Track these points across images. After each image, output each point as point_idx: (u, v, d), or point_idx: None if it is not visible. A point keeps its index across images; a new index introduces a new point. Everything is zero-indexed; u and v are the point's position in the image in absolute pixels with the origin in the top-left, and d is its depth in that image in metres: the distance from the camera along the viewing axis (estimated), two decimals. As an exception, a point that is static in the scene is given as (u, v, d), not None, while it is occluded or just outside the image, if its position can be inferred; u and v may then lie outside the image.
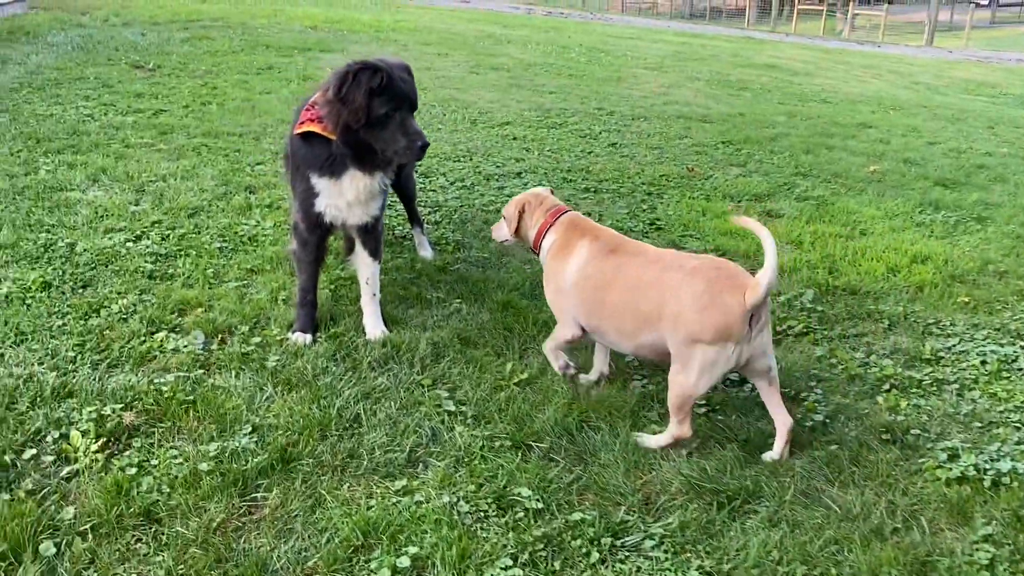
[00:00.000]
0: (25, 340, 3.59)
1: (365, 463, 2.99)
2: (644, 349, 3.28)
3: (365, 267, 3.96)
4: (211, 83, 8.83)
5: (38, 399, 3.17)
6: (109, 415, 3.09)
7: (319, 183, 3.69)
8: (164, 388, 3.28)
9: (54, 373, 3.34)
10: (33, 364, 3.40)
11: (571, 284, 3.39)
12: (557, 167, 6.69)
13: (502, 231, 3.82)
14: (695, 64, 14.47)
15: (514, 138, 7.57)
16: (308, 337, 3.77)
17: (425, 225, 5.04)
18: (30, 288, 4.00)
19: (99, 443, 2.95)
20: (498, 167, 6.59)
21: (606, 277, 3.29)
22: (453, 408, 3.33)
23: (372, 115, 3.44)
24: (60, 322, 3.75)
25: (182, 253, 4.55)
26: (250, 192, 5.56)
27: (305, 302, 3.87)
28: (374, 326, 3.89)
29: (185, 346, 3.64)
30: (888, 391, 3.69)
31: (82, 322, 3.76)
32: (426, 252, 4.83)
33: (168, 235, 4.75)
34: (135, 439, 3.03)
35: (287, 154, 3.98)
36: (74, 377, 3.33)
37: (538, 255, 3.68)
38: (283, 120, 7.33)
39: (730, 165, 7.28)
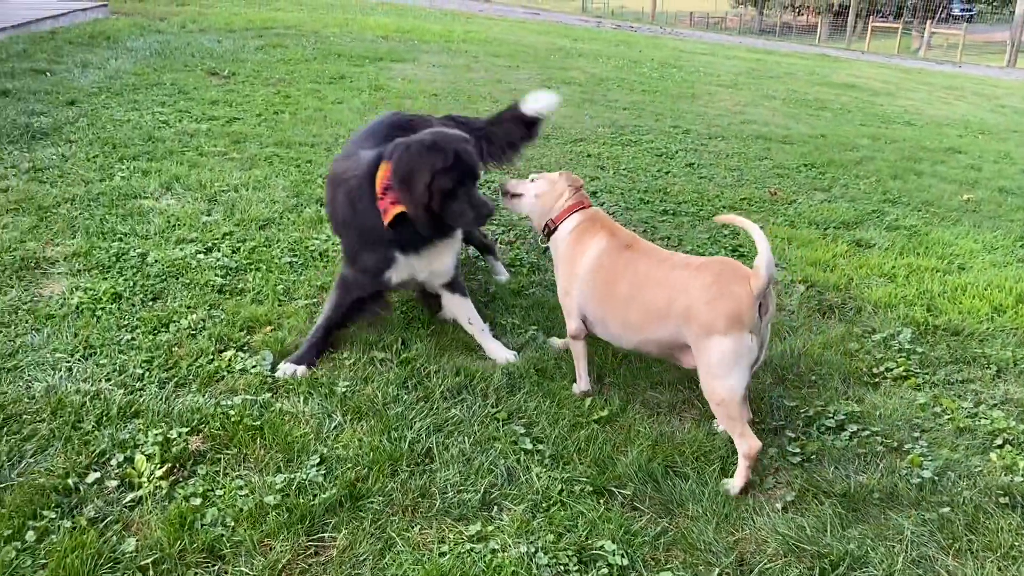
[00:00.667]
0: (94, 354, 3.52)
1: (437, 504, 2.82)
2: (649, 344, 3.33)
3: (461, 309, 3.87)
4: (284, 91, 8.83)
5: (104, 418, 3.08)
6: (175, 439, 2.98)
7: (399, 257, 3.63)
8: (231, 412, 3.16)
9: (121, 391, 3.25)
10: (101, 380, 3.32)
11: (585, 271, 3.44)
12: (633, 187, 6.47)
13: (524, 202, 3.69)
14: (770, 82, 14.10)
15: (588, 155, 7.38)
16: (302, 368, 3.54)
17: (498, 246, 4.88)
18: (100, 299, 3.94)
19: (164, 469, 2.83)
20: (572, 185, 6.39)
21: (617, 270, 3.35)
22: (530, 446, 3.14)
23: (438, 193, 3.40)
24: (129, 336, 3.67)
25: (252, 267, 4.46)
26: (321, 205, 5.46)
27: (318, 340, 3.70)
28: (500, 353, 3.79)
29: (253, 367, 3.52)
30: (1001, 447, 3.39)
31: (151, 337, 3.67)
32: (501, 276, 4.67)
33: (239, 248, 4.66)
34: (200, 465, 2.90)
35: (344, 222, 3.72)
36: (141, 396, 3.24)
37: (546, 236, 3.66)
38: (353, 130, 7.26)
39: (814, 189, 6.97)
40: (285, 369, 3.51)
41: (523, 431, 3.22)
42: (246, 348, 3.70)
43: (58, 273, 4.21)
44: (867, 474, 3.12)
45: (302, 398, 3.33)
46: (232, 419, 3.12)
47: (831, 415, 3.51)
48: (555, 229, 3.59)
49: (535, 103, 4.29)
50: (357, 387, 3.44)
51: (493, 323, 4.05)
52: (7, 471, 2.78)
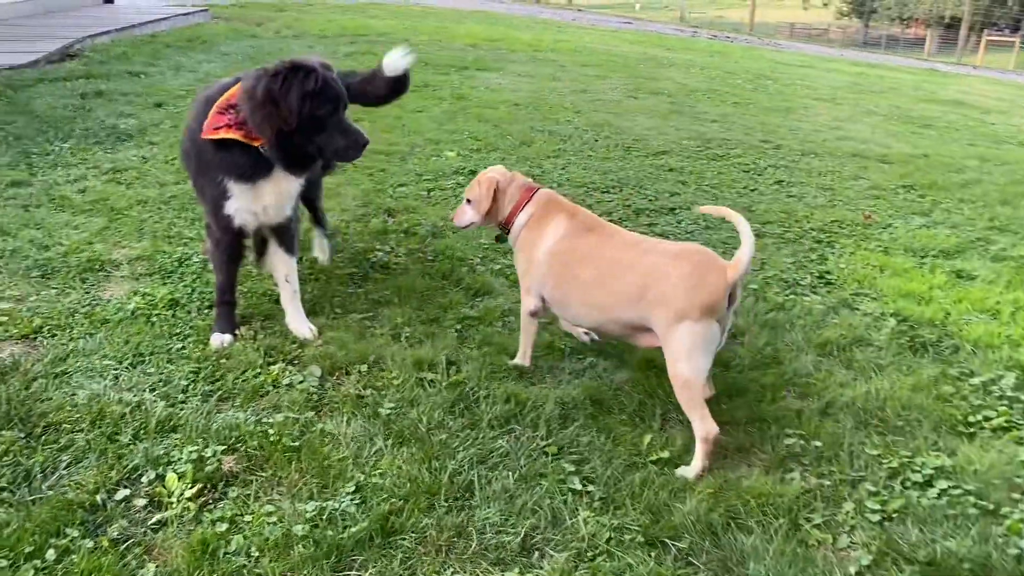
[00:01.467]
0: (142, 362, 3.46)
1: (474, 544, 2.62)
2: (611, 324, 3.38)
3: (282, 264, 3.82)
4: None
5: (142, 431, 3.00)
6: (209, 457, 2.87)
7: (233, 188, 3.53)
8: (271, 431, 3.04)
9: (163, 403, 3.17)
10: (145, 390, 3.25)
11: (544, 254, 3.47)
12: (716, 204, 6.14)
13: (466, 216, 3.73)
14: (872, 97, 13.44)
15: (670, 169, 7.08)
16: (228, 338, 3.67)
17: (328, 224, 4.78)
18: (157, 305, 3.91)
19: (194, 489, 2.72)
20: (650, 201, 6.13)
21: (580, 253, 3.40)
22: (579, 486, 2.92)
23: (307, 118, 3.33)
24: (180, 345, 3.61)
25: (312, 277, 4.37)
26: (389, 215, 5.37)
27: (223, 301, 3.77)
28: (299, 324, 3.80)
29: (300, 382, 3.41)
30: (1120, 517, 2.98)
31: (201, 347, 3.60)
32: (323, 256, 4.62)
33: (301, 257, 4.59)
34: (232, 487, 2.79)
35: (186, 152, 3.72)
36: (182, 409, 3.15)
37: (507, 234, 3.68)
38: (431, 140, 7.18)
39: (912, 213, 6.49)
40: (215, 342, 3.63)
41: (573, 469, 3.00)
42: (296, 362, 3.59)
43: (120, 276, 4.21)
44: (956, 539, 2.77)
45: (345, 418, 3.19)
46: (270, 438, 3.00)
47: (918, 468, 3.17)
48: (509, 228, 3.64)
49: (392, 64, 4.21)
50: (403, 409, 3.29)
51: (549, 346, 3.85)
52: (39, 482, 2.72)
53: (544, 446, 3.12)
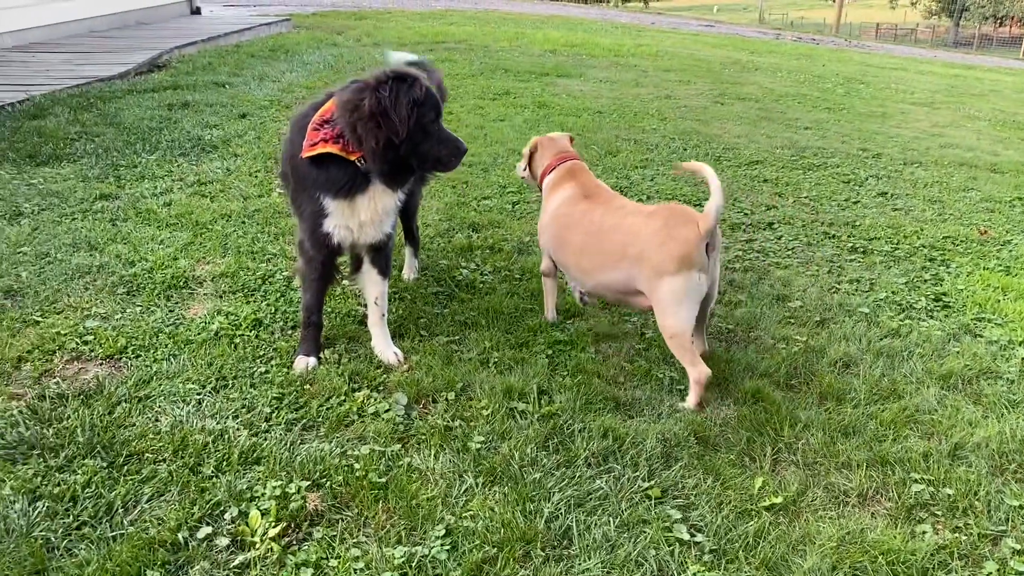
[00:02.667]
0: (226, 386, 3.36)
1: (574, 601, 2.41)
2: (602, 288, 3.59)
3: (374, 286, 3.70)
4: (447, 108, 8.70)
5: (225, 463, 2.88)
6: (293, 494, 2.73)
7: (331, 204, 3.39)
8: (356, 465, 2.89)
9: (247, 432, 3.05)
10: (228, 417, 3.14)
11: (548, 218, 3.75)
12: (816, 219, 5.81)
13: (519, 169, 4.18)
14: (973, 100, 12.75)
15: (764, 180, 6.74)
16: (312, 361, 3.55)
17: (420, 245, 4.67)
18: (240, 324, 3.81)
19: (278, 528, 2.58)
20: (746, 215, 5.82)
21: (573, 219, 3.62)
22: (686, 535, 2.67)
23: (413, 128, 3.24)
24: (263, 368, 3.50)
25: (397, 296, 4.23)
26: (473, 230, 5.20)
27: (310, 323, 3.63)
28: (385, 348, 3.67)
29: (386, 410, 3.25)
30: None
31: (285, 370, 3.48)
32: (410, 274, 4.51)
33: (394, 275, 4.45)
34: (317, 527, 2.63)
35: (285, 175, 3.66)
36: (266, 439, 3.02)
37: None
38: (513, 150, 7.00)
39: (1032, 228, 6.03)
40: (299, 365, 3.51)
41: (679, 516, 2.76)
42: (381, 388, 3.44)
43: (204, 294, 4.13)
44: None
45: (433, 452, 3.01)
46: (356, 473, 2.84)
47: (1069, 524, 2.83)
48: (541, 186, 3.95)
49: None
50: (493, 443, 3.09)
51: (647, 374, 3.61)
52: (121, 516, 2.61)
53: (646, 488, 2.88)
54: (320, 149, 3.30)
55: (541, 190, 3.97)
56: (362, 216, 3.46)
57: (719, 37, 21.55)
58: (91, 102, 7.68)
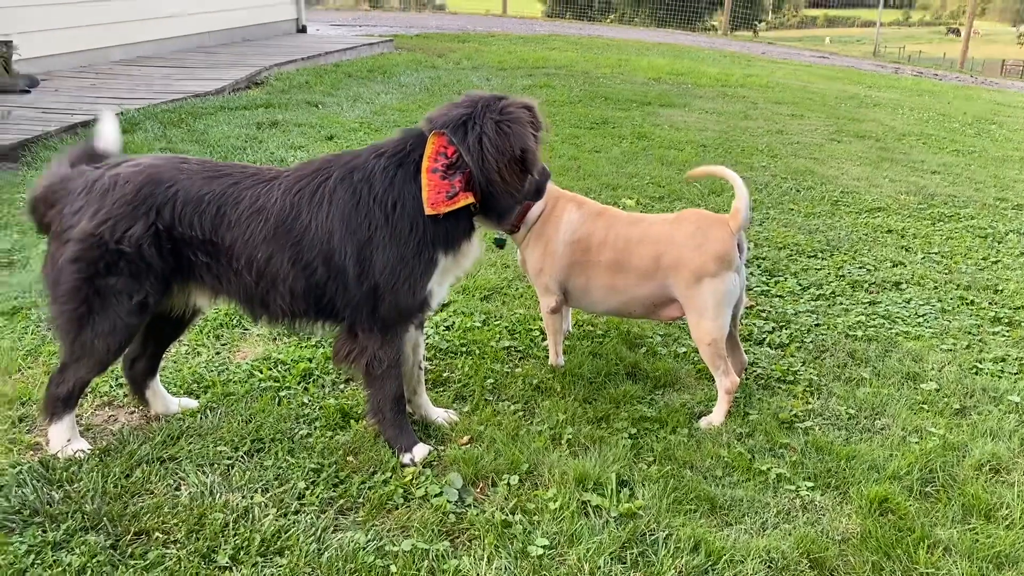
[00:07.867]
0: (260, 449, 2.96)
1: None
2: (635, 304, 3.45)
3: (420, 345, 3.18)
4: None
5: (243, 552, 2.46)
6: (315, 601, 2.29)
7: (443, 259, 2.89)
8: (393, 567, 2.43)
9: (274, 511, 2.63)
10: (256, 491, 2.73)
11: (562, 245, 3.47)
12: (950, 279, 5.07)
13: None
14: (1122, 146, 11.53)
15: (889, 231, 6.02)
16: (426, 449, 3.01)
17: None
18: (287, 376, 3.42)
19: (291, 647, 2.14)
20: (868, 271, 5.14)
21: (597, 238, 3.43)
22: None
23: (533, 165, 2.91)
24: (305, 431, 3.09)
25: (464, 350, 3.78)
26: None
27: (402, 409, 3.03)
28: (431, 409, 3.24)
29: (437, 494, 2.78)
30: None
31: (328, 435, 3.06)
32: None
33: (453, 324, 4.01)
34: (337, 648, 2.18)
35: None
36: (294, 523, 2.59)
37: (513, 231, 3.56)
38: (608, 184, 6.50)
39: None
40: (419, 451, 2.98)
41: (787, 672, 2.19)
42: (434, 464, 2.97)
43: (256, 335, 3.78)
44: None
45: (486, 555, 2.52)
46: (392, 577, 2.38)
47: None
48: (518, 226, 3.53)
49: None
50: (559, 547, 2.58)
51: (748, 469, 3.03)
52: (113, 614, 2.22)
53: (746, 627, 2.32)
54: (463, 201, 2.79)
55: (514, 227, 3.53)
56: (465, 265, 3.02)
57: (833, 69, 20.53)
58: (182, 118, 7.57)
